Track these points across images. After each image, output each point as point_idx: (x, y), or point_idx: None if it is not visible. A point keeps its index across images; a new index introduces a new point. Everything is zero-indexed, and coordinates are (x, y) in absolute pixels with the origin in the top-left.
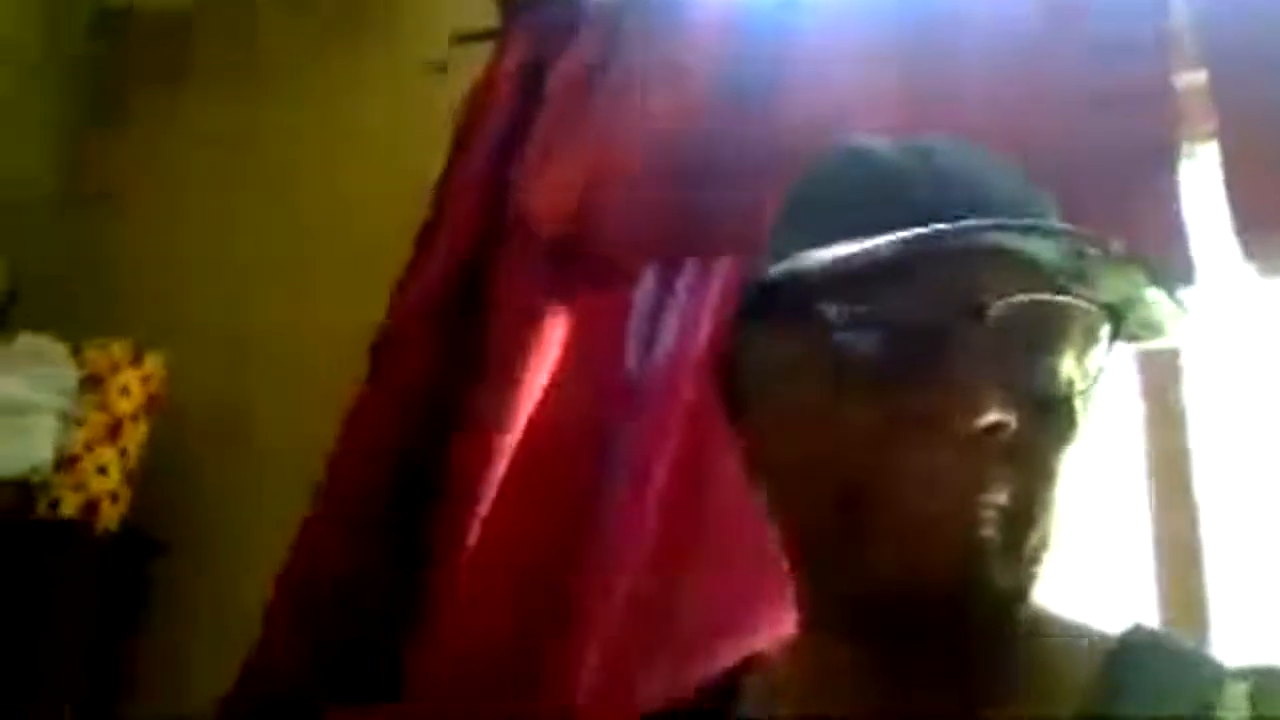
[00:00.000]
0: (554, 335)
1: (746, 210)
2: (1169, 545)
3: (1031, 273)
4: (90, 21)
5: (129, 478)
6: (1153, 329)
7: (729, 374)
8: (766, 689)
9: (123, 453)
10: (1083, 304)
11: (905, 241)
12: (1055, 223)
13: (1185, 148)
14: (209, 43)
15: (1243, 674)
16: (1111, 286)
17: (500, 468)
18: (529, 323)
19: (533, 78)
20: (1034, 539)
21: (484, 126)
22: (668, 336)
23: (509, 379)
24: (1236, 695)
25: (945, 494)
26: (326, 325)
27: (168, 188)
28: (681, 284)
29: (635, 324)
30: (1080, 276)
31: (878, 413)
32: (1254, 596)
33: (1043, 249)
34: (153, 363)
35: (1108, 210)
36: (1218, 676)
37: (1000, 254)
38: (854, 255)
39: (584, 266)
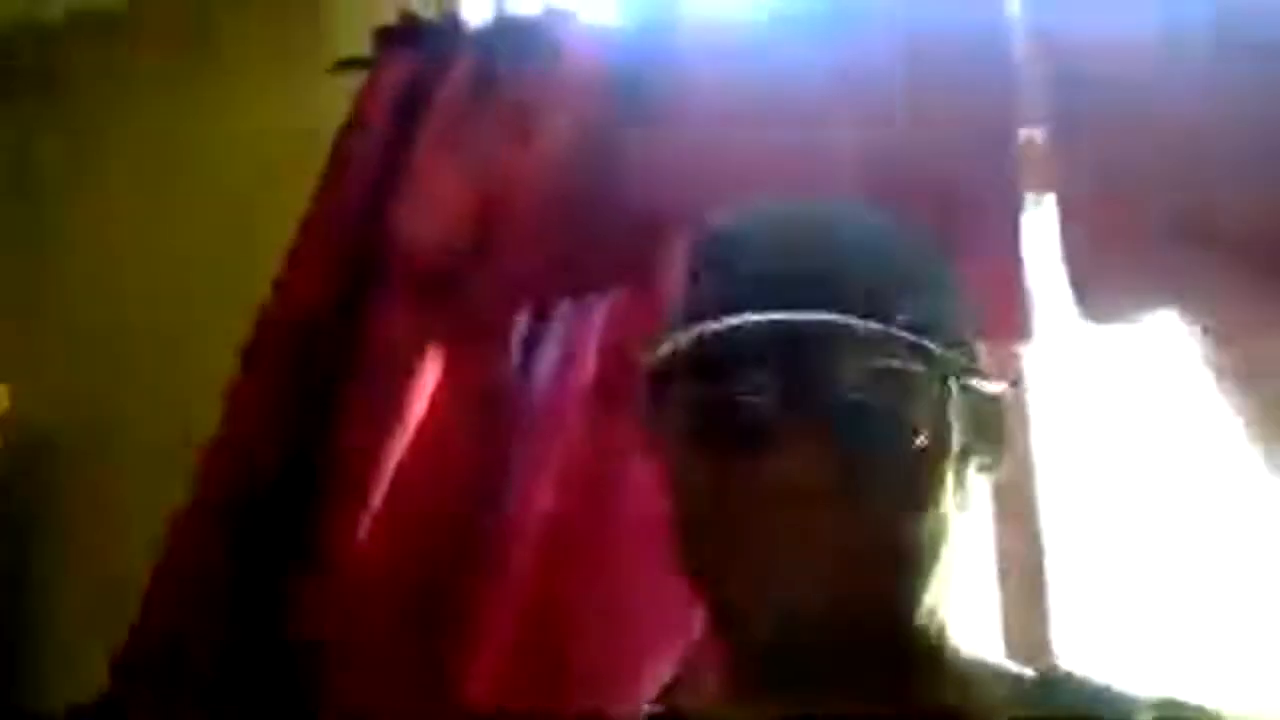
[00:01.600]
0: (430, 370)
1: (624, 249)
2: (1012, 569)
3: (860, 346)
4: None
5: None
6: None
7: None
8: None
9: None
10: (903, 366)
11: (701, 338)
12: (851, 322)
13: (1029, 199)
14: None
15: (1150, 705)
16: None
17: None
18: (404, 361)
19: (407, 108)
20: (901, 581)
21: (357, 155)
22: (548, 365)
23: (383, 419)
24: None
25: (797, 554)
26: (201, 324)
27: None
28: (560, 312)
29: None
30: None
31: (721, 481)
32: (1095, 620)
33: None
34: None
35: (953, 258)
36: (1128, 707)
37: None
38: (669, 348)
39: (460, 304)
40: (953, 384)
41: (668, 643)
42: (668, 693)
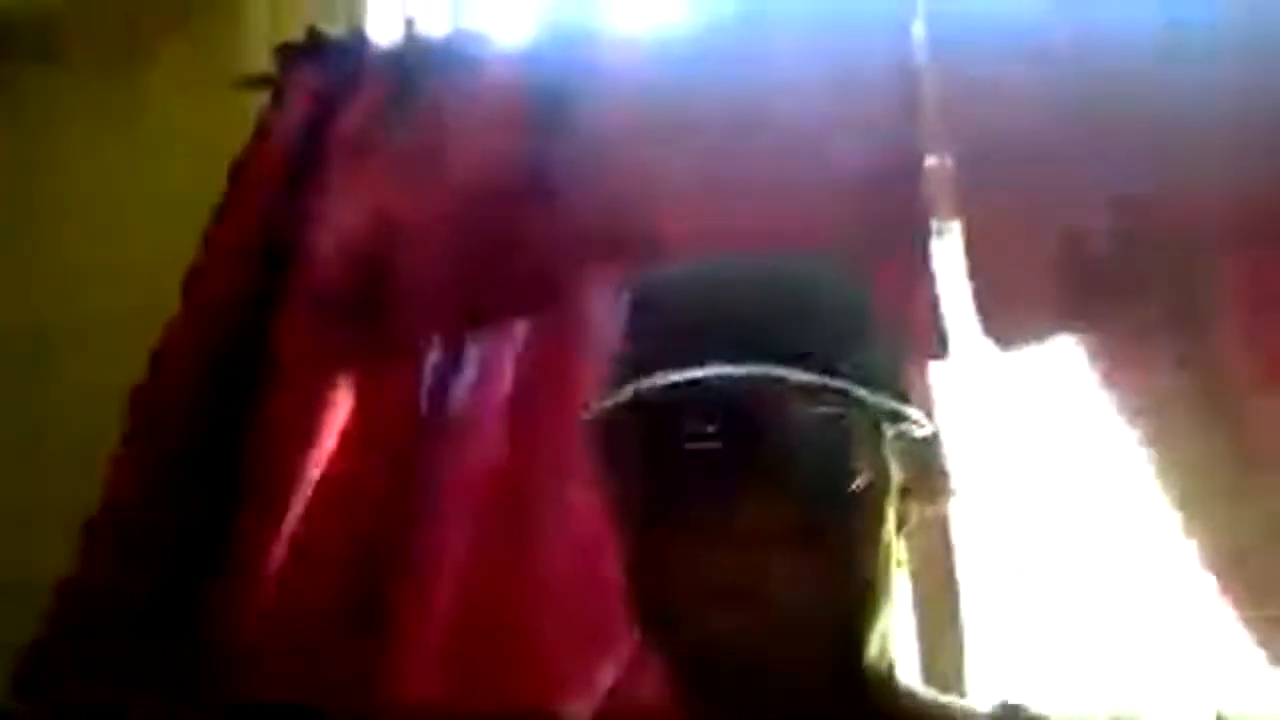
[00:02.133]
0: (340, 389)
1: (540, 273)
2: (927, 596)
3: (799, 396)
4: None
5: None
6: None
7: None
8: None
9: None
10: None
11: (640, 394)
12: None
13: (935, 226)
14: None
15: None
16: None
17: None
18: (312, 379)
19: (314, 126)
20: (854, 618)
21: (260, 173)
22: (464, 387)
23: (295, 434)
24: None
25: (732, 598)
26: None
27: None
28: (476, 336)
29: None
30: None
31: (672, 533)
32: (1010, 645)
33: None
34: None
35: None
36: None
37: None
38: (610, 403)
39: (368, 325)
40: (886, 427)
41: (591, 652)
42: (606, 700)
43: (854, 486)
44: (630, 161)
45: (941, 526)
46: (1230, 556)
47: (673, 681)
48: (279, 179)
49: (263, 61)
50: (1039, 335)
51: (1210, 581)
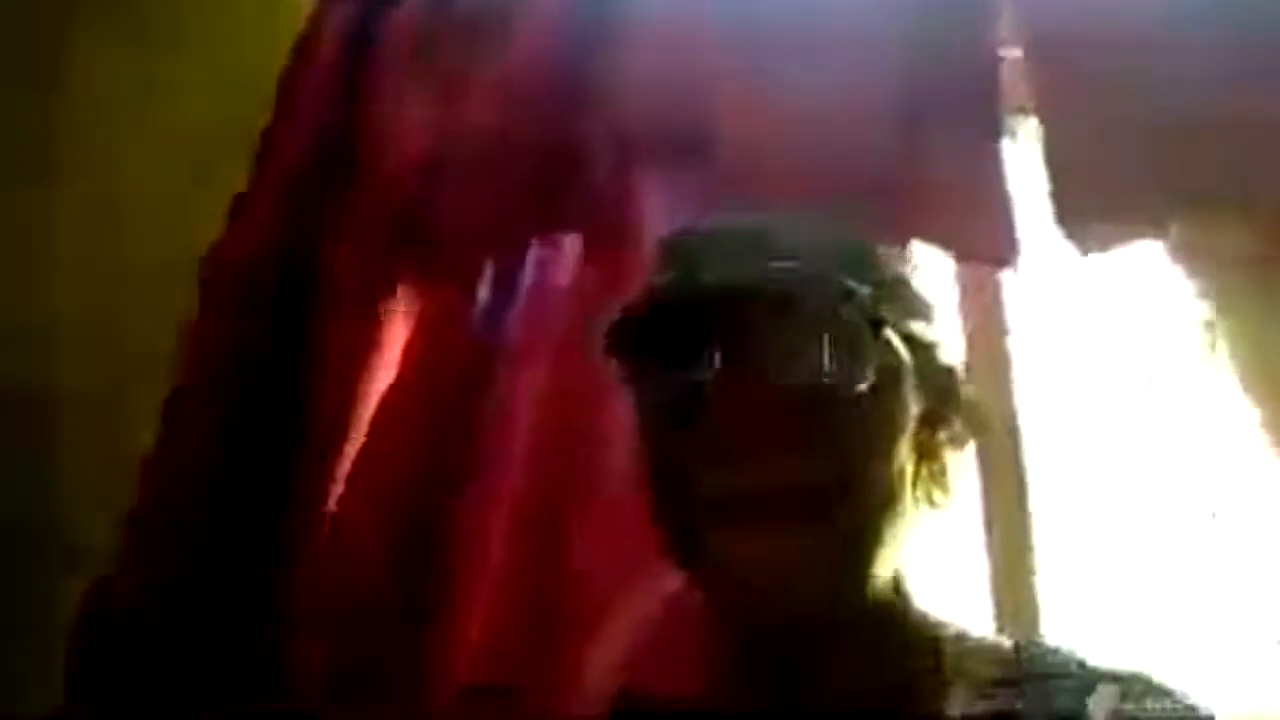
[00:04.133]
0: (397, 320)
1: (588, 190)
2: (1000, 532)
3: (802, 300)
4: None
5: None
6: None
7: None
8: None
9: None
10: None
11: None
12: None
13: (1007, 123)
14: None
15: (1115, 676)
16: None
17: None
18: (371, 300)
19: (358, 39)
20: (866, 535)
21: (309, 84)
22: (521, 304)
23: (355, 358)
24: (1108, 694)
25: (771, 482)
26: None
27: None
28: (530, 259)
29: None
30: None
31: (680, 439)
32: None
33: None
34: None
35: (936, 191)
36: (1094, 680)
37: (752, 293)
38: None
39: (423, 241)
40: (896, 341)
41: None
42: (639, 672)
43: (858, 390)
44: (682, 59)
45: (1016, 458)
46: None
47: (706, 620)
48: (325, 95)
49: None
50: (1124, 238)
51: None
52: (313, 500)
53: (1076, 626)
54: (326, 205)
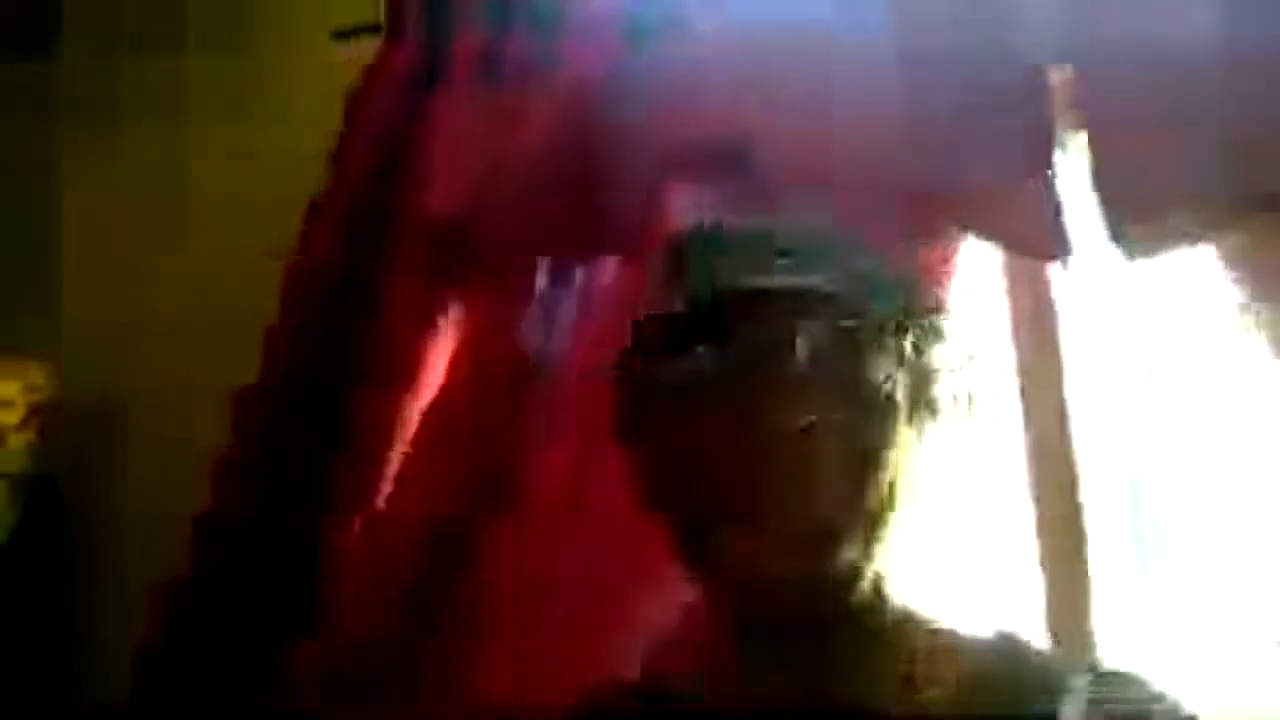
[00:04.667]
0: (446, 329)
1: (634, 211)
2: (1049, 524)
3: (810, 302)
4: None
5: (16, 486)
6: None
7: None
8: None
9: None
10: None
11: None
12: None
13: (1060, 137)
14: None
15: (1088, 674)
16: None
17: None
18: (420, 319)
19: (420, 70)
20: (872, 521)
21: (373, 107)
22: (567, 318)
23: (400, 378)
24: (1078, 689)
25: (779, 490)
26: (218, 317)
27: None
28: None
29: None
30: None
31: (714, 429)
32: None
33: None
34: (35, 373)
35: (993, 200)
36: (1066, 673)
37: (786, 295)
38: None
39: (473, 262)
40: (904, 344)
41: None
42: (653, 662)
43: (877, 388)
44: (725, 106)
45: (1067, 456)
46: None
47: (718, 625)
48: (387, 119)
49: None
50: (1172, 244)
51: None
52: (356, 501)
53: (1128, 619)
54: (385, 220)
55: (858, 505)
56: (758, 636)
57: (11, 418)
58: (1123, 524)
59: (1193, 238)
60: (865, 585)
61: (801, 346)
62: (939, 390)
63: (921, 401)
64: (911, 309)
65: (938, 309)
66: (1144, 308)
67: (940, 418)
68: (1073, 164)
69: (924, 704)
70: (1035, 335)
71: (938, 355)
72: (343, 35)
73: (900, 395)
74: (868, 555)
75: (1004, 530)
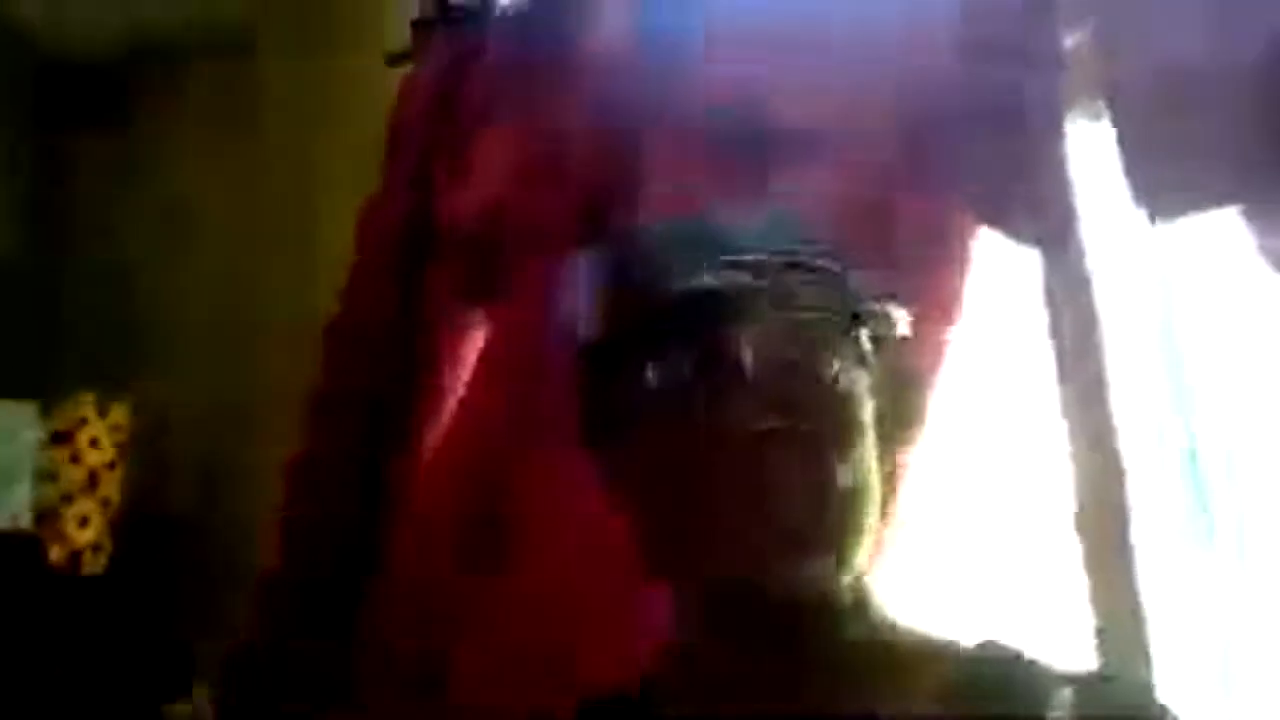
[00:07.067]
0: (475, 338)
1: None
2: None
3: (758, 301)
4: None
5: (111, 526)
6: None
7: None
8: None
9: (104, 503)
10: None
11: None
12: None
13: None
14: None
15: (1071, 680)
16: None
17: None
18: (450, 328)
19: (448, 87)
20: (838, 526)
21: (406, 138)
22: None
23: (432, 385)
24: (1064, 697)
25: (738, 496)
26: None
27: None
28: None
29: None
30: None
31: (679, 435)
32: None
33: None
34: (119, 413)
35: (1004, 171)
36: (1052, 681)
37: (733, 296)
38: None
39: (502, 266)
40: (864, 342)
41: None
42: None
43: (834, 386)
44: (742, 99)
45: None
46: None
47: (687, 628)
48: (419, 137)
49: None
50: (1199, 207)
51: None
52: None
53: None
54: (423, 227)
55: (822, 511)
56: (727, 642)
57: (100, 457)
58: (1174, 508)
59: (1221, 200)
60: (844, 593)
61: (749, 348)
62: (912, 396)
63: (893, 410)
64: (864, 300)
65: (891, 297)
66: (1170, 274)
67: (917, 427)
68: (1097, 129)
69: (907, 713)
70: (1072, 312)
71: (898, 350)
72: (396, 60)
73: (863, 394)
74: (843, 562)
75: (1041, 526)
